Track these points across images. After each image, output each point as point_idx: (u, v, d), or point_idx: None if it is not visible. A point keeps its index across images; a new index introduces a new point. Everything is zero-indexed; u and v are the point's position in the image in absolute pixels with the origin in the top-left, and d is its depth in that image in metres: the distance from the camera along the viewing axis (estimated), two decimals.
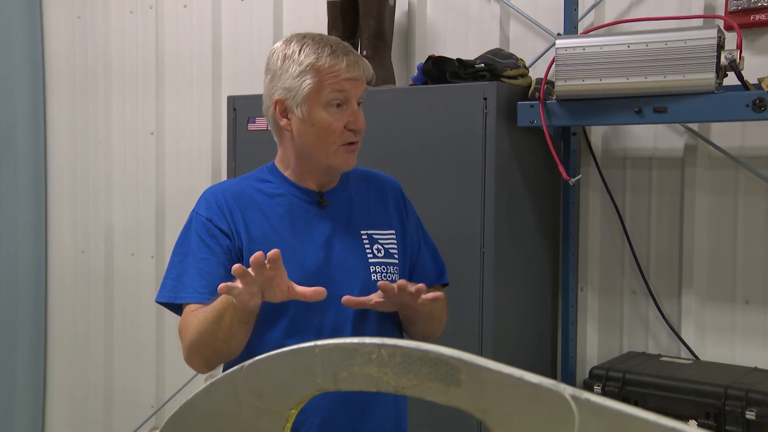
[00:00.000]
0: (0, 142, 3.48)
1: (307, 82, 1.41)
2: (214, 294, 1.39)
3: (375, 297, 1.42)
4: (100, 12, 3.37)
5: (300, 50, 1.43)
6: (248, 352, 1.35)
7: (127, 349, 3.36)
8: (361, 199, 1.55)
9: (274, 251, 1.23)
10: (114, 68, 3.34)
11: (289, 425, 0.65)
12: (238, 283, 1.25)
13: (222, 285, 1.26)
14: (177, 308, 1.46)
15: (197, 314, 1.39)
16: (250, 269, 1.24)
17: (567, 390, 0.55)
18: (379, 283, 1.40)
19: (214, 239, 1.44)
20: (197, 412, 0.67)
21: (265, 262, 1.23)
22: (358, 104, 1.47)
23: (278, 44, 1.48)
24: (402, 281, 1.38)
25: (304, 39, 1.45)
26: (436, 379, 0.58)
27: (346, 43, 1.48)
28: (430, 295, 1.41)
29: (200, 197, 1.50)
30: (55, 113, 3.53)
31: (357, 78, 1.44)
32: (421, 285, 1.39)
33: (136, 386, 3.32)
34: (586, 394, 0.55)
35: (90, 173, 3.44)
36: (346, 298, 1.40)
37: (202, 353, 1.40)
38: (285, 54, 1.44)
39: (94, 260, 3.45)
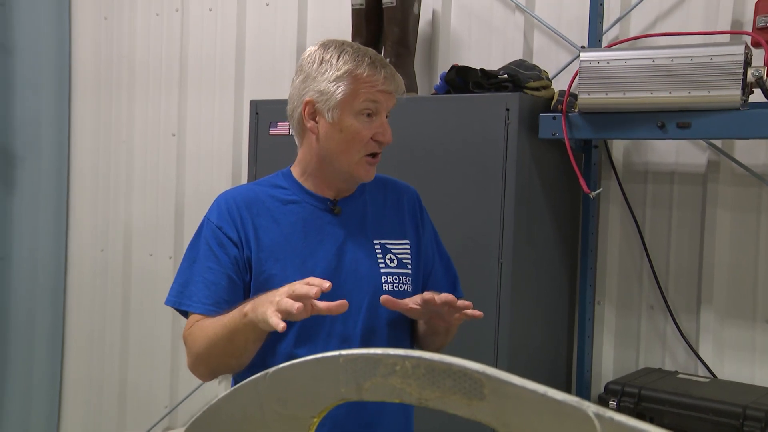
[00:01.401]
0: (24, 140, 3.53)
1: (343, 88, 1.41)
2: (217, 304, 1.40)
3: (411, 303, 1.41)
4: (126, 13, 3.41)
5: (339, 56, 1.43)
6: (261, 362, 1.37)
7: (142, 349, 3.38)
8: (376, 208, 1.54)
9: (327, 285, 1.22)
10: (138, 69, 3.37)
11: None
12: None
13: (279, 321, 1.21)
14: (184, 312, 1.47)
15: (204, 328, 1.39)
16: (295, 301, 1.20)
17: (591, 408, 0.55)
18: (425, 293, 1.38)
19: (222, 248, 1.44)
20: (220, 417, 0.68)
21: (312, 294, 1.21)
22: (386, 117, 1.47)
23: (314, 47, 1.48)
24: (448, 296, 1.36)
25: (343, 46, 1.46)
26: (459, 392, 0.59)
27: (382, 56, 1.49)
28: (470, 312, 1.38)
29: (213, 203, 1.51)
30: (79, 113, 3.57)
31: (391, 91, 1.45)
32: (467, 302, 1.38)
33: (151, 386, 3.34)
34: (609, 413, 0.55)
35: (111, 173, 3.47)
36: (384, 297, 1.39)
37: (209, 365, 1.41)
38: (323, 58, 1.44)
39: (112, 259, 3.48)
